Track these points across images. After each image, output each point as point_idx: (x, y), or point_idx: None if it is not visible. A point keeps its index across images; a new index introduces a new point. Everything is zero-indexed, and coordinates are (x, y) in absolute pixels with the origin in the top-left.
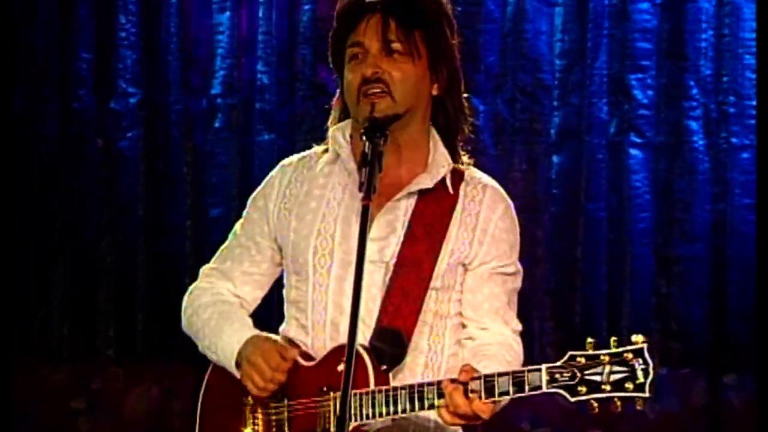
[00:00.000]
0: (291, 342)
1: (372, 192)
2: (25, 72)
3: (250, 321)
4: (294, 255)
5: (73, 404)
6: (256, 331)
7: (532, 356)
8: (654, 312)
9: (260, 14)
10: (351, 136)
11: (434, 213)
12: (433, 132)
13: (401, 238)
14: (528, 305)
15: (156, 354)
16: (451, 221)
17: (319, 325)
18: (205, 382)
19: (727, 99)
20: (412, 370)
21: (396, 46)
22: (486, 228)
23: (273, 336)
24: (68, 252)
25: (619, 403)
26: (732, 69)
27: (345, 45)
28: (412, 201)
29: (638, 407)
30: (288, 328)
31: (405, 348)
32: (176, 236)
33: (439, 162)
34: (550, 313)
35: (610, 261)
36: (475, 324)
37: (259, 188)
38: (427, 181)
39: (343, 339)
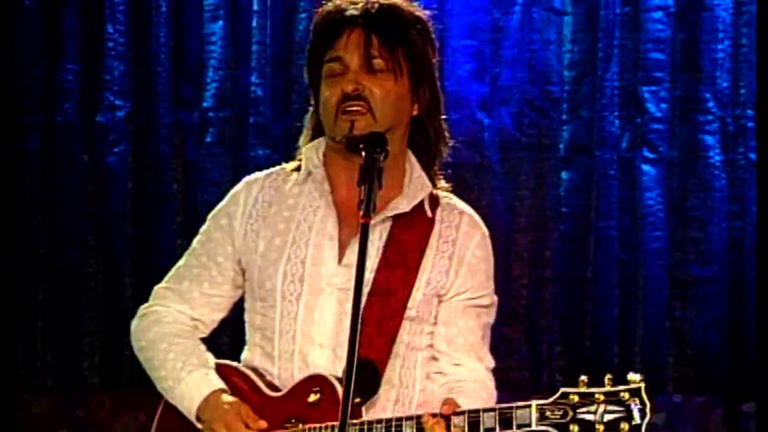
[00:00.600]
0: (255, 371)
1: (372, 210)
2: (5, 83)
3: (210, 359)
4: (261, 280)
5: None
6: (218, 383)
7: (539, 383)
8: (668, 336)
9: (254, 23)
10: (325, 155)
11: (410, 239)
12: (410, 154)
13: (375, 265)
14: (536, 329)
15: (144, 381)
16: (427, 247)
17: (286, 354)
18: (158, 417)
19: (744, 112)
20: (383, 405)
21: (378, 62)
22: (463, 256)
23: (232, 398)
24: (51, 273)
25: None
26: (750, 81)
27: (322, 59)
28: (387, 225)
29: None
30: (252, 356)
31: (379, 380)
32: (166, 257)
33: (417, 185)
34: (560, 337)
35: (622, 283)
36: (447, 359)
37: (220, 205)
38: (403, 205)
39: (313, 370)
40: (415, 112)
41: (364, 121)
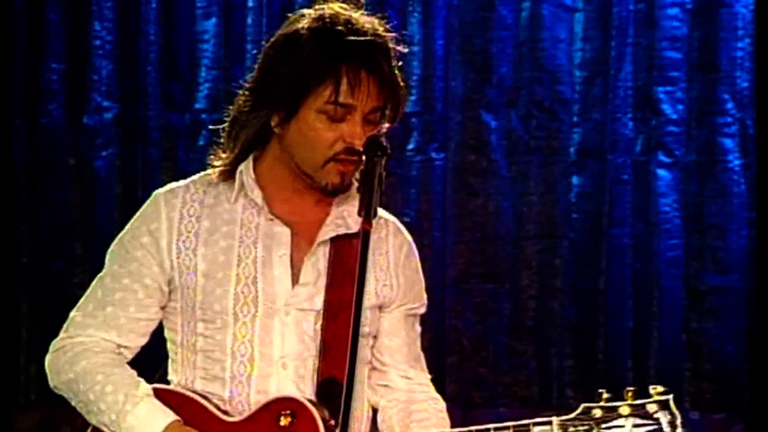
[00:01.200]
0: (198, 394)
1: (373, 216)
2: None
3: (149, 387)
4: (207, 302)
5: None
6: (170, 413)
7: (549, 399)
8: (685, 350)
9: (249, 21)
10: (255, 170)
11: (350, 255)
12: None
13: (324, 286)
14: (545, 342)
15: None
16: (370, 262)
17: (242, 377)
18: None
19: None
20: (352, 425)
21: (377, 116)
22: (397, 266)
23: (191, 430)
24: (36, 284)
25: None
26: None
27: (317, 90)
28: (328, 247)
29: None
30: (188, 378)
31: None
32: None
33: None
34: (570, 351)
35: (636, 293)
36: (395, 371)
37: (134, 224)
38: (352, 226)
39: (274, 392)
40: None
41: (350, 174)
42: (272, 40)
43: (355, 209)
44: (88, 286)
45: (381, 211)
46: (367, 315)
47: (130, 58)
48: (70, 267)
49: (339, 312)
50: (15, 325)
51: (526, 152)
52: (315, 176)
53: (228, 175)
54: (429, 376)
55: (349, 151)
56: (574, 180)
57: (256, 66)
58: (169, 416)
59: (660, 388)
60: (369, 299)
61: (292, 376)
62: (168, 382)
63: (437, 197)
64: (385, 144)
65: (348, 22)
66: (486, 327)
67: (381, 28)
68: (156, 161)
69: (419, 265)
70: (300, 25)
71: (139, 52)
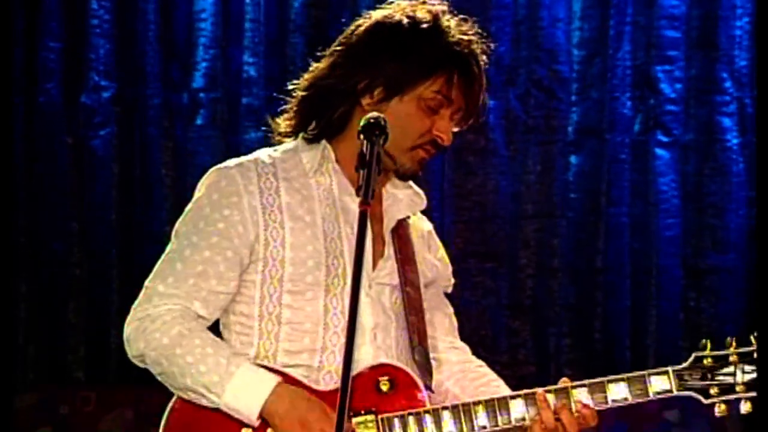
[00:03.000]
0: (282, 367)
1: (370, 196)
2: None
3: None
4: (298, 273)
5: None
6: (275, 377)
7: (546, 378)
8: (683, 329)
9: (247, 0)
10: (335, 148)
11: (405, 236)
12: None
13: (398, 260)
14: (543, 321)
15: (131, 376)
16: (414, 243)
17: (334, 347)
18: (167, 420)
19: None
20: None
21: (461, 116)
22: (431, 248)
23: (305, 392)
24: (34, 264)
25: (749, 404)
26: None
27: (425, 80)
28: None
29: (746, 410)
30: (271, 351)
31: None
32: (154, 245)
33: (413, 194)
34: (568, 330)
35: (634, 273)
36: (442, 343)
37: (212, 197)
38: (404, 210)
39: (359, 361)
40: None
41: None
42: (367, 24)
43: (403, 194)
44: (86, 265)
45: None
46: (423, 290)
47: (128, 38)
48: (67, 246)
49: (412, 286)
50: (12, 305)
51: (525, 131)
52: (398, 159)
53: (312, 141)
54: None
55: (434, 143)
56: (573, 159)
57: (341, 44)
58: (275, 378)
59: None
60: (422, 278)
61: (381, 345)
62: None
63: (436, 177)
64: (384, 125)
65: (459, 24)
66: (484, 306)
67: (475, 32)
68: (154, 140)
69: None
70: (412, 14)
71: (137, 32)
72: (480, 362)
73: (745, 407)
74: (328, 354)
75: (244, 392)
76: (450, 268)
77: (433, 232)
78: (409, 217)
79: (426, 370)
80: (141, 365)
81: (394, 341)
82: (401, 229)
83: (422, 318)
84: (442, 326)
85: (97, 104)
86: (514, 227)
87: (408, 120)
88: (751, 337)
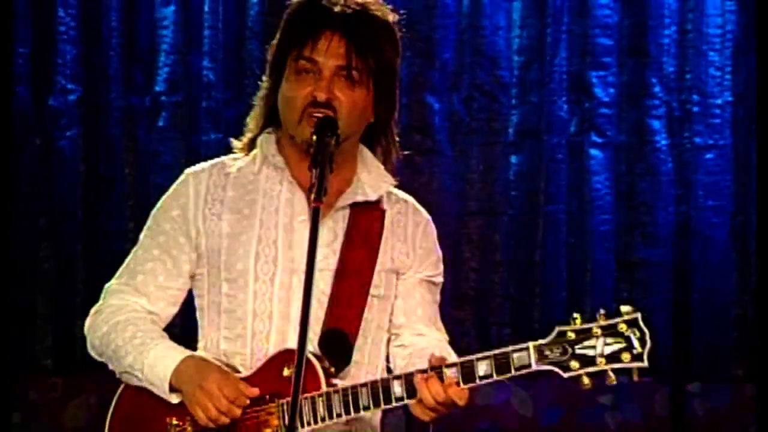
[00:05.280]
0: (224, 356)
1: (323, 194)
2: None
3: (172, 342)
4: (230, 261)
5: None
6: (186, 351)
7: None
8: None
9: (206, 8)
10: (278, 142)
11: (368, 223)
12: (365, 151)
13: (340, 247)
14: (485, 311)
15: (96, 363)
16: (384, 231)
17: (261, 335)
18: (114, 403)
19: (690, 97)
20: (354, 382)
21: (353, 73)
22: (415, 239)
23: (214, 361)
24: (2, 258)
25: (613, 377)
26: (696, 66)
27: (292, 52)
28: (347, 212)
29: (635, 378)
30: (215, 339)
31: (351, 350)
32: (117, 241)
33: (379, 177)
34: (509, 319)
35: (570, 266)
36: (409, 330)
37: (165, 200)
38: (369, 194)
39: (290, 346)
40: (372, 119)
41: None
42: None
43: (374, 179)
44: (53, 259)
45: (398, 191)
46: (382, 277)
47: (93, 44)
48: (33, 242)
49: (352, 273)
50: None
51: (468, 133)
52: (296, 136)
53: (250, 146)
54: (446, 337)
55: (314, 103)
56: (513, 159)
57: None
58: (186, 352)
59: (629, 308)
60: (384, 263)
61: (308, 333)
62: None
63: None
64: (336, 124)
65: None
66: None
67: (361, 5)
68: (118, 141)
69: (436, 240)
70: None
71: (102, 38)
72: (439, 338)
73: (635, 374)
74: (257, 341)
75: (157, 365)
76: (433, 258)
77: (427, 224)
78: (379, 203)
79: (336, 353)
80: (96, 357)
81: (322, 326)
82: (361, 215)
83: (358, 303)
84: (413, 314)
85: (64, 107)
86: (459, 223)
87: (287, 95)
88: (621, 308)
